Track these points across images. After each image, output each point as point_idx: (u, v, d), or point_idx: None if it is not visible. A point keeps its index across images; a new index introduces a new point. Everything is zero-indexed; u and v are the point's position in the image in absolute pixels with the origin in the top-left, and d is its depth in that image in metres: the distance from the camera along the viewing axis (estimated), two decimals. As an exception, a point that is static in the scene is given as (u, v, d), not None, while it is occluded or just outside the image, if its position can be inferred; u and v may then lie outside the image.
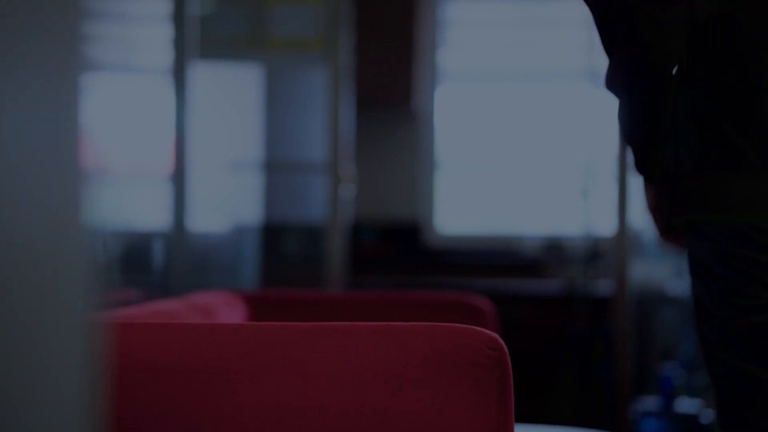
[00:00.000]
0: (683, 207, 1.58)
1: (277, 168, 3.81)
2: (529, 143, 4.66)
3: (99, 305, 0.66)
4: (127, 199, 3.10)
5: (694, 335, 1.75)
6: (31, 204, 0.62)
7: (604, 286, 4.01)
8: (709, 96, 1.55)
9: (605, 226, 3.89)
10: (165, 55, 3.18)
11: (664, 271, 3.81)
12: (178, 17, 3.17)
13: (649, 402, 3.25)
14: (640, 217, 3.51)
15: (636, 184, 3.40)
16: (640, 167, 1.64)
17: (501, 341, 1.35)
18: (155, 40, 3.21)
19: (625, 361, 3.37)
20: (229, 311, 2.36)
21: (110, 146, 2.90)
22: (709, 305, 1.56)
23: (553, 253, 4.46)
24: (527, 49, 4.66)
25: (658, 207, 1.66)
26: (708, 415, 3.22)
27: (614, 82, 1.59)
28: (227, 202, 3.73)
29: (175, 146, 3.17)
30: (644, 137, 1.60)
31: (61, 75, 0.63)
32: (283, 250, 3.80)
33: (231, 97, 3.78)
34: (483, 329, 1.37)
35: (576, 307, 4.08)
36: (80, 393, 0.64)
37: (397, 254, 4.65)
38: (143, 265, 3.21)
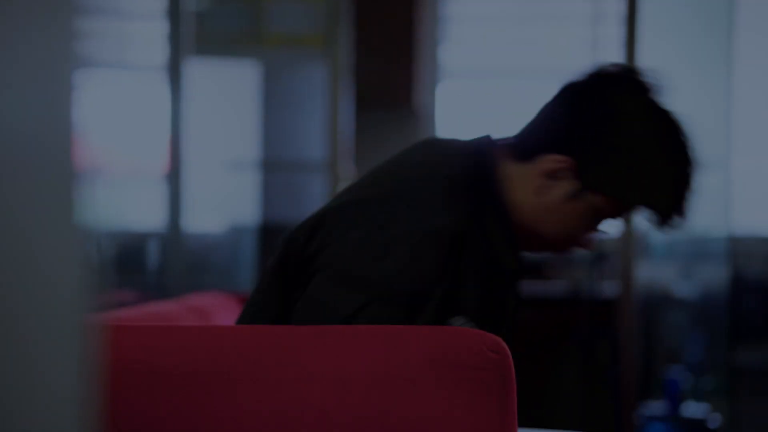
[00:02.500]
0: None
1: (275, 167, 3.78)
2: (533, 142, 4.61)
3: (93, 307, 0.65)
4: (122, 199, 3.09)
5: None
6: (24, 204, 0.62)
7: (609, 288, 3.96)
8: None
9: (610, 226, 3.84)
10: (160, 52, 3.15)
11: (670, 273, 3.77)
12: (174, 13, 3.14)
13: (655, 406, 3.22)
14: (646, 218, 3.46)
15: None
16: None
17: (503, 344, 1.35)
18: (150, 36, 3.18)
19: (631, 363, 3.33)
20: (226, 313, 2.34)
21: (105, 145, 2.88)
22: None
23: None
24: (530, 45, 4.63)
25: None
26: (715, 419, 3.18)
27: None
28: (224, 201, 3.72)
29: (171, 145, 3.14)
30: None
31: (54, 72, 0.62)
32: (281, 250, 3.76)
33: (228, 95, 3.76)
34: (485, 332, 1.35)
35: (581, 309, 4.04)
36: (74, 396, 0.63)
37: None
38: (138, 266, 3.20)
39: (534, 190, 1.57)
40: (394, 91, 4.43)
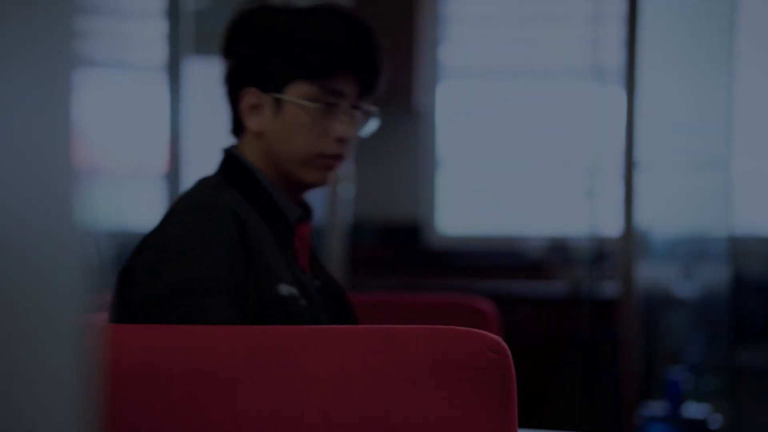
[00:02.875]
0: None
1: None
2: (533, 141, 4.62)
3: (92, 307, 0.65)
4: (121, 199, 3.08)
5: None
6: (23, 204, 0.61)
7: (609, 288, 3.96)
8: None
9: (611, 226, 3.85)
10: (160, 52, 3.14)
11: (670, 273, 3.77)
12: (173, 12, 3.13)
13: (656, 406, 3.22)
14: (647, 218, 3.46)
15: (643, 183, 3.36)
16: None
17: (503, 344, 1.34)
18: (150, 36, 3.18)
19: (631, 364, 3.33)
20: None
21: (103, 144, 2.87)
22: None
23: (557, 254, 4.42)
24: (531, 45, 4.62)
25: None
26: (716, 420, 3.17)
27: None
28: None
29: (170, 144, 3.13)
30: None
31: (53, 71, 0.62)
32: (281, 250, 3.75)
33: (228, 95, 3.74)
34: (485, 332, 1.36)
35: (581, 309, 4.04)
36: (73, 397, 0.63)
37: (397, 255, 4.60)
38: (138, 266, 3.18)
39: (257, 136, 1.67)
40: (394, 91, 4.42)
